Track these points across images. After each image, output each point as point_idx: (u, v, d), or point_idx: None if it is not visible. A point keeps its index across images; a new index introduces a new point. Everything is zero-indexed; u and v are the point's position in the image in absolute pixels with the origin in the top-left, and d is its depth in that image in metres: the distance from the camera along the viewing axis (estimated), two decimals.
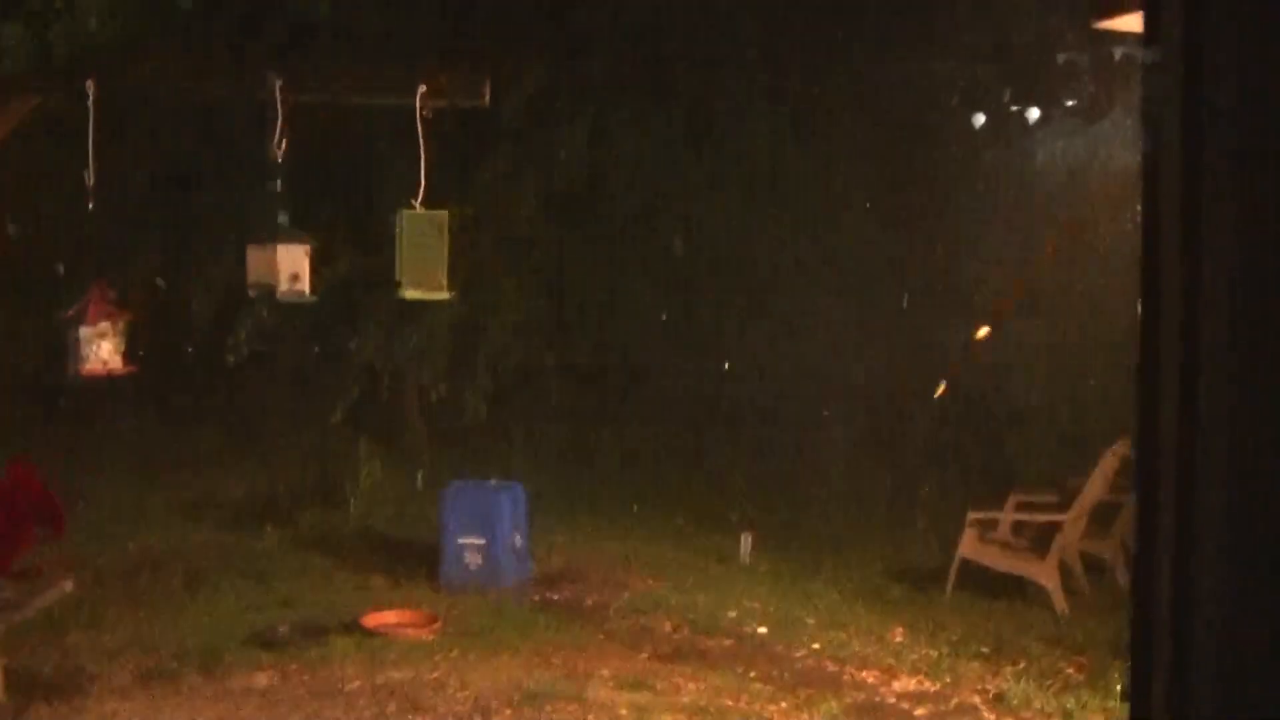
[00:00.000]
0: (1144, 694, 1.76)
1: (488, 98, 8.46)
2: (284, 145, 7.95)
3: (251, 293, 8.60)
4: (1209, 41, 1.59)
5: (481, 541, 11.97)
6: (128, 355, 8.43)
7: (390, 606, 11.12)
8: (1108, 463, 11.61)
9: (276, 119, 7.86)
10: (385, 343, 15.20)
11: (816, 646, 10.51)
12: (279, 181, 8.13)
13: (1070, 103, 11.66)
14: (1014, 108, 12.18)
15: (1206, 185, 1.62)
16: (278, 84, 7.79)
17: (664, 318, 16.20)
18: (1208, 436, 1.61)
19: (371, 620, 10.65)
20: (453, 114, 9.43)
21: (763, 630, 10.91)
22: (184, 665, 9.63)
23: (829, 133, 15.11)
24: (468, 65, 8.83)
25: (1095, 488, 11.62)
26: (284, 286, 8.44)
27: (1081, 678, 9.65)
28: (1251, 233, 1.59)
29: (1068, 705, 8.97)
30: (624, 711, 8.90)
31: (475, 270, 13.27)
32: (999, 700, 9.22)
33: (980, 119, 12.55)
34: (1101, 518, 12.17)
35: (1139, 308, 1.74)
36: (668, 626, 11.05)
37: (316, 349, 16.07)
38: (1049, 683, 9.48)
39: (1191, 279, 1.63)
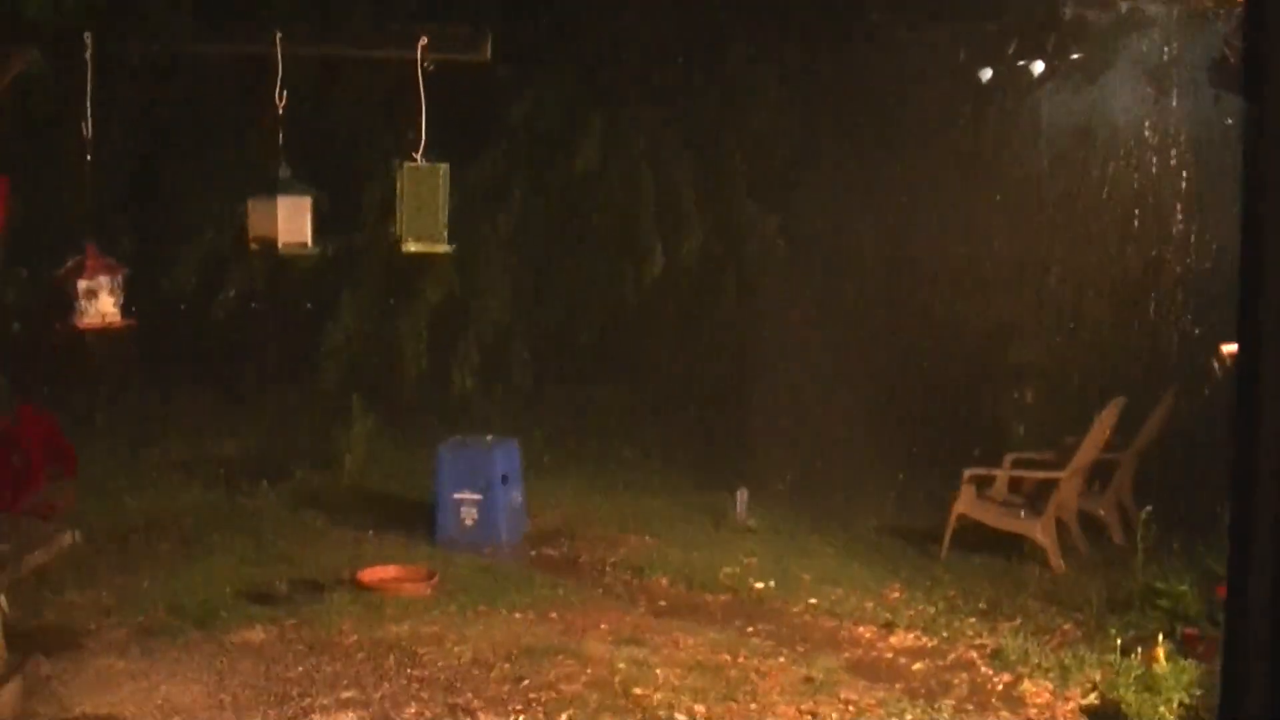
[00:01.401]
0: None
1: (489, 52, 8.42)
2: (284, 99, 7.92)
3: (253, 246, 8.58)
4: None
5: (477, 498, 11.97)
6: (124, 309, 8.41)
7: (386, 563, 11.12)
8: (1104, 421, 11.63)
9: (278, 72, 7.82)
10: (371, 310, 15.19)
11: (813, 602, 10.54)
12: (280, 135, 8.09)
13: (1074, 56, 11.65)
14: (1020, 62, 12.16)
15: None
16: (278, 37, 7.75)
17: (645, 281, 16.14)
18: None
19: (368, 576, 10.65)
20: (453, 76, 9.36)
21: (759, 586, 10.92)
22: (181, 621, 9.62)
23: (821, 106, 15.09)
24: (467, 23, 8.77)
25: (1091, 446, 11.65)
26: (286, 239, 8.43)
27: (1079, 634, 9.69)
28: None
29: (1065, 661, 8.99)
30: (622, 666, 8.91)
31: (469, 238, 13.22)
32: (996, 656, 9.24)
33: (986, 74, 12.53)
34: (1098, 476, 12.21)
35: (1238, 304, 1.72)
36: (664, 582, 11.07)
37: (309, 305, 16.02)
38: (1046, 639, 9.51)
39: None
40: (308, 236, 8.47)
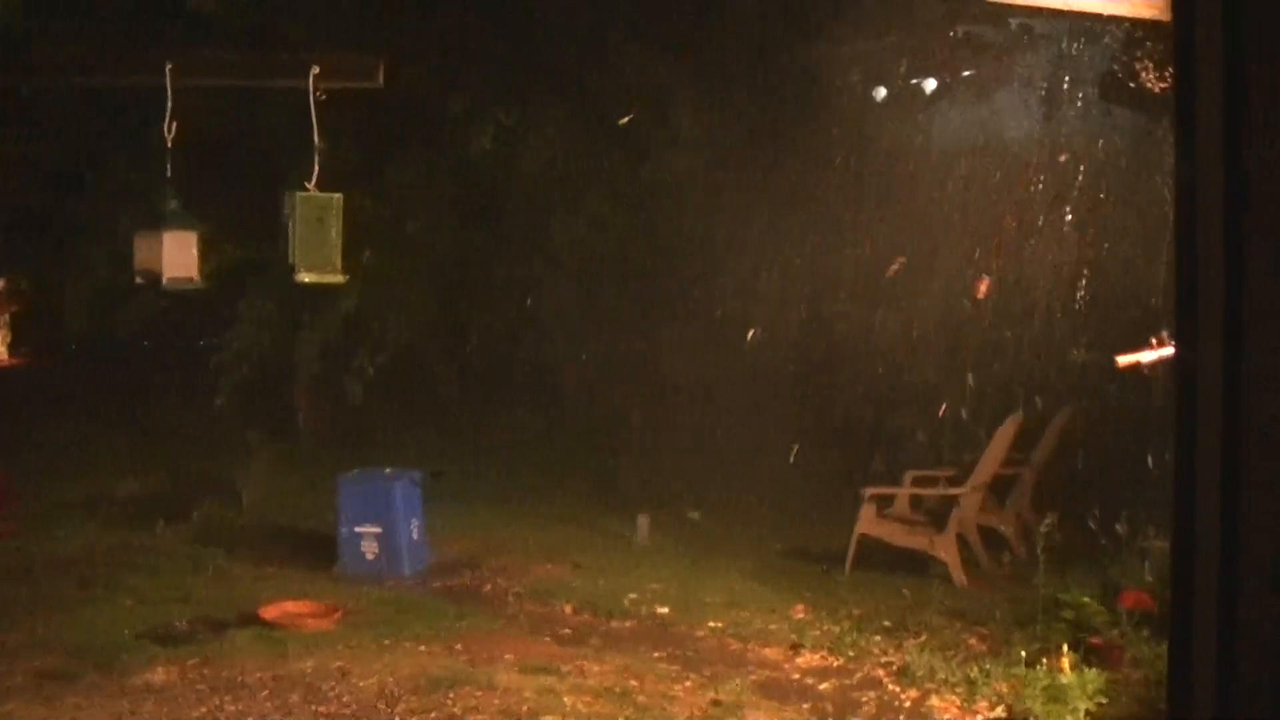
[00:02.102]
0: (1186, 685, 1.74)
1: (381, 78, 8.36)
2: (174, 130, 7.82)
3: (139, 280, 8.45)
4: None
5: (378, 530, 11.88)
6: (13, 348, 8.27)
7: (289, 598, 10.98)
8: (1002, 437, 11.72)
9: (168, 104, 7.72)
10: (267, 332, 15.02)
11: (719, 625, 10.51)
12: (168, 167, 7.98)
13: (967, 73, 11.76)
14: (912, 81, 12.26)
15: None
16: (168, 68, 7.65)
17: (527, 300, 16.08)
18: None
19: (270, 612, 10.50)
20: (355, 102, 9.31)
21: (665, 611, 10.89)
22: (81, 664, 9.42)
23: (729, 122, 15.14)
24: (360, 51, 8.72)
25: (990, 462, 11.74)
26: (170, 274, 8.32)
27: (984, 648, 9.73)
28: None
29: (971, 675, 9.02)
30: (530, 695, 8.83)
31: (366, 259, 13.14)
32: (903, 673, 9.26)
33: (881, 93, 12.63)
34: (997, 491, 12.30)
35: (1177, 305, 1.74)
36: (569, 610, 11.01)
37: (202, 342, 15.83)
38: (951, 654, 9.53)
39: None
40: (194, 271, 8.36)
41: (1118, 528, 10.34)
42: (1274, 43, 1.69)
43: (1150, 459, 9.86)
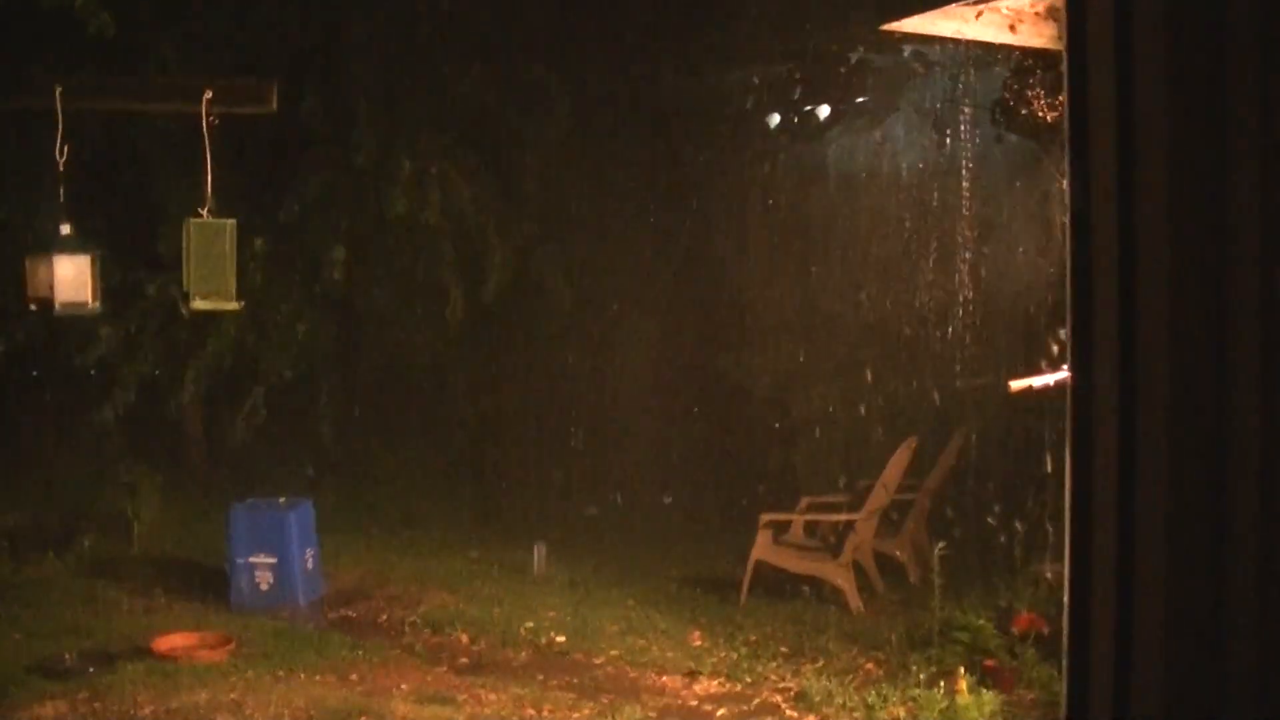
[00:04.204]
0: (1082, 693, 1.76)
1: (274, 103, 8.31)
2: (65, 154, 7.73)
3: (32, 306, 8.34)
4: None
5: (272, 560, 11.76)
6: None
7: (180, 630, 10.84)
8: (896, 462, 11.80)
9: (58, 127, 7.63)
10: (152, 359, 14.81)
11: (616, 653, 10.50)
12: (60, 191, 7.88)
13: (860, 99, 11.86)
14: (806, 108, 12.35)
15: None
16: (58, 91, 7.56)
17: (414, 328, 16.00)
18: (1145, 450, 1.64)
19: (161, 644, 10.36)
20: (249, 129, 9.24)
21: (561, 639, 10.86)
22: None
23: (615, 144, 15.15)
24: (254, 75, 8.67)
25: (885, 488, 11.81)
26: (64, 298, 8.21)
27: (880, 673, 9.78)
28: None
29: (869, 699, 9.06)
30: None
31: (254, 286, 13.01)
32: (800, 698, 9.29)
33: (774, 120, 12.71)
34: (891, 517, 12.38)
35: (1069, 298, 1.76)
36: (465, 640, 10.95)
37: (93, 372, 15.57)
38: (849, 679, 9.58)
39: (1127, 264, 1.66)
40: (88, 296, 8.26)
41: (1013, 550, 10.45)
42: (1164, 73, 1.71)
43: (1042, 482, 9.98)
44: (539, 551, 12.86)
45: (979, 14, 6.66)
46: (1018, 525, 10.49)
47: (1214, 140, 1.68)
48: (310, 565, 12.10)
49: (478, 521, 14.77)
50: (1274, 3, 1.66)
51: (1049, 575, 9.82)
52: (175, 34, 12.94)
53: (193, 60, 12.59)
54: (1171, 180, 1.69)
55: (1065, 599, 1.79)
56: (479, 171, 15.03)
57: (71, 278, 8.18)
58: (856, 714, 8.91)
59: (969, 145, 11.84)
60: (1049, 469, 9.96)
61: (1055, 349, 9.33)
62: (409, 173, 14.42)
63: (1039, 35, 7.25)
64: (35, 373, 15.47)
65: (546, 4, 14.37)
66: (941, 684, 8.94)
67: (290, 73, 12.02)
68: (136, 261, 13.74)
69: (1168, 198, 1.70)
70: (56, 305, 8.23)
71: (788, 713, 9.13)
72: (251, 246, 12.14)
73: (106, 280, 9.02)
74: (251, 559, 11.76)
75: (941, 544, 10.49)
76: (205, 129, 7.94)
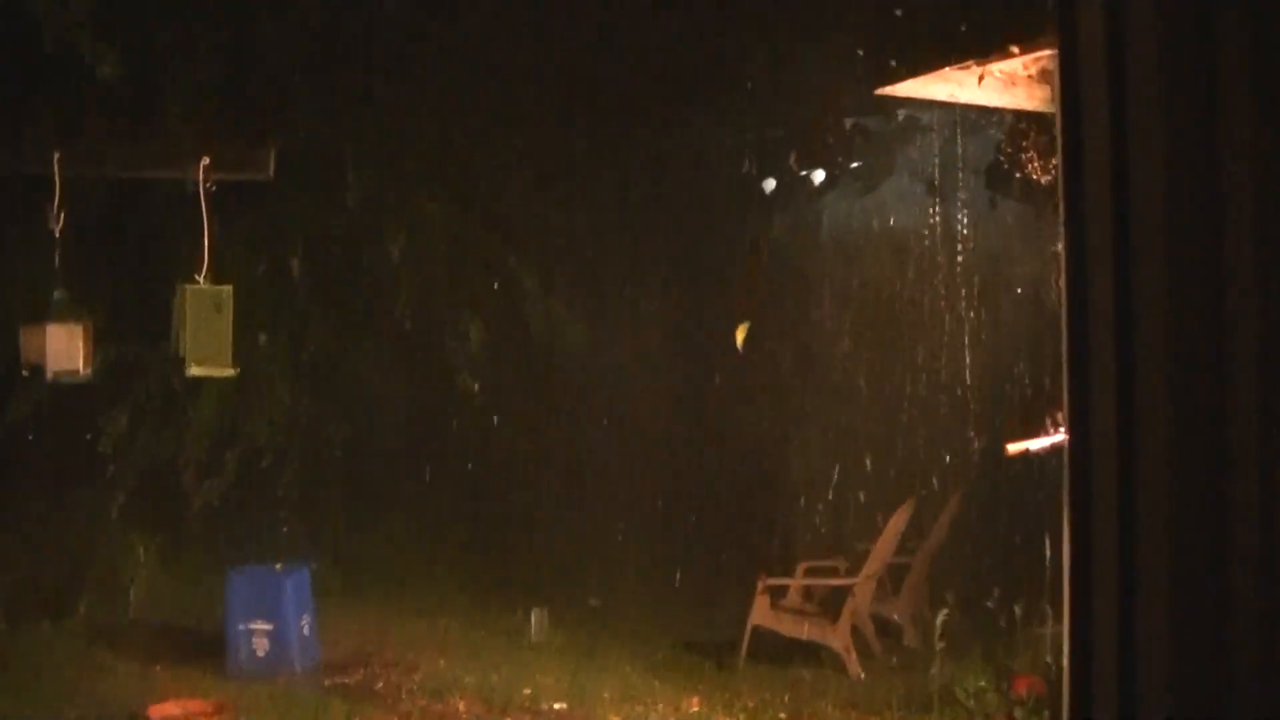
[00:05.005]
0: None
1: (272, 169, 8.34)
2: (62, 220, 7.74)
3: (25, 372, 8.34)
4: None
5: (268, 627, 11.70)
6: None
7: (177, 696, 10.78)
8: (894, 525, 11.77)
9: (54, 193, 7.65)
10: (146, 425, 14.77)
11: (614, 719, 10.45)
12: (56, 257, 7.90)
13: (855, 165, 11.91)
14: (801, 173, 12.39)
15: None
16: (55, 157, 7.58)
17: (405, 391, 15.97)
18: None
19: (157, 712, 10.31)
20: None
21: (560, 706, 10.80)
22: None
23: (612, 200, 15.20)
24: (250, 138, 8.70)
25: (882, 551, 11.78)
26: (56, 366, 8.21)
27: None
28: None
29: None
30: None
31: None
32: None
33: (770, 184, 12.76)
34: (889, 580, 12.34)
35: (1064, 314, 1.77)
36: (462, 707, 10.89)
37: (89, 436, 15.51)
38: None
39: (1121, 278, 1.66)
40: (80, 363, 8.25)
41: (1011, 611, 10.41)
42: (1159, 138, 1.72)
43: (1038, 544, 9.95)
44: (537, 617, 12.81)
45: (980, 78, 6.69)
46: (1015, 587, 10.46)
47: (1210, 197, 1.68)
48: (307, 631, 12.05)
49: (477, 586, 14.70)
50: (1267, 58, 1.66)
51: (1047, 636, 9.78)
52: (181, 81, 12.98)
53: (196, 106, 12.62)
54: (1168, 238, 1.70)
55: (1065, 663, 1.79)
56: (474, 226, 15.05)
57: (64, 345, 8.19)
58: None
59: (964, 208, 11.89)
60: (1046, 531, 9.94)
61: (1053, 412, 9.33)
62: (401, 226, 14.42)
63: (1031, 98, 7.29)
64: (30, 436, 15.41)
65: (539, 67, 14.43)
66: None
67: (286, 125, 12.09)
68: (134, 328, 13.72)
69: (1165, 254, 1.71)
70: (49, 372, 8.24)
71: None
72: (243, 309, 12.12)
73: (102, 347, 9.02)
74: (248, 625, 11.70)
75: (944, 610, 10.46)
76: (202, 195, 7.97)
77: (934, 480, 12.87)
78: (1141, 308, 1.71)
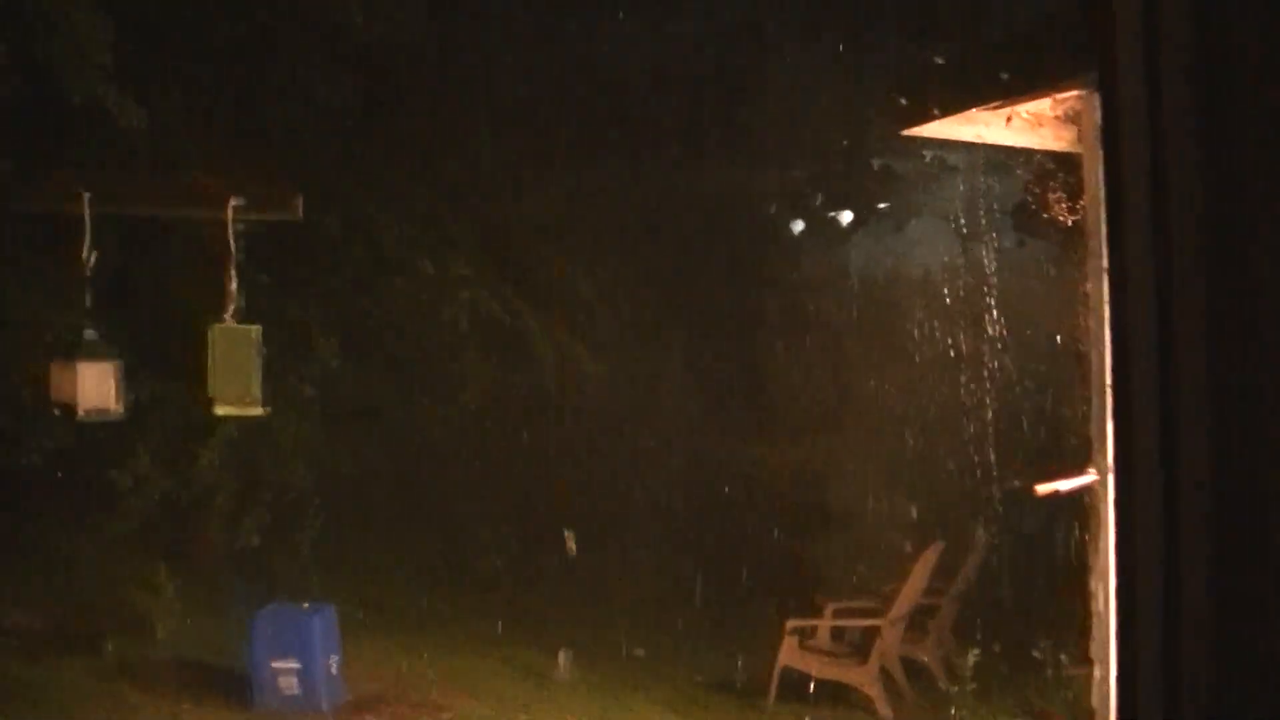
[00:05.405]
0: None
1: (300, 211, 8.36)
2: (93, 259, 7.78)
3: (55, 411, 8.35)
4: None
5: (295, 665, 11.67)
6: None
7: None
8: (922, 566, 11.72)
9: (85, 233, 7.68)
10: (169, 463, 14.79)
11: None
12: (87, 296, 7.93)
13: (882, 205, 11.92)
14: (829, 214, 12.40)
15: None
16: (87, 197, 7.62)
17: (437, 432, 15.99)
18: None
19: None
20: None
21: None
22: None
23: (642, 242, 15.24)
24: (278, 179, 8.74)
25: (911, 592, 11.72)
26: (87, 405, 8.23)
27: None
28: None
29: None
30: None
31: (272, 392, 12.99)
32: None
33: (799, 226, 12.78)
34: (918, 621, 12.28)
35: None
36: None
37: (114, 474, 15.53)
38: None
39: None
40: (111, 402, 8.27)
41: (1040, 651, 10.35)
42: (1197, 169, 1.72)
43: (1068, 584, 9.88)
44: (564, 658, 12.77)
45: (1008, 119, 6.67)
46: (1044, 628, 10.40)
47: (1248, 235, 1.68)
48: (334, 670, 12.02)
49: (502, 625, 14.67)
50: None
51: (1079, 677, 9.72)
52: (205, 133, 13.06)
53: (224, 149, 12.69)
54: (1210, 275, 1.70)
55: (1112, 700, 1.78)
56: (506, 272, 15.08)
57: (95, 383, 8.21)
58: None
59: (991, 248, 11.88)
60: (1075, 571, 9.88)
61: (1082, 452, 9.28)
62: (443, 276, 14.45)
63: (1059, 139, 7.26)
64: (60, 474, 15.43)
65: (566, 111, 14.49)
66: None
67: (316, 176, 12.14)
68: (160, 367, 13.76)
69: (1205, 293, 1.71)
70: (80, 410, 8.25)
71: None
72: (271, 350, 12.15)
73: (134, 385, 9.03)
74: (275, 664, 11.68)
75: (975, 651, 10.40)
76: (230, 235, 8.00)
77: (962, 520, 12.82)
78: (1182, 343, 1.70)
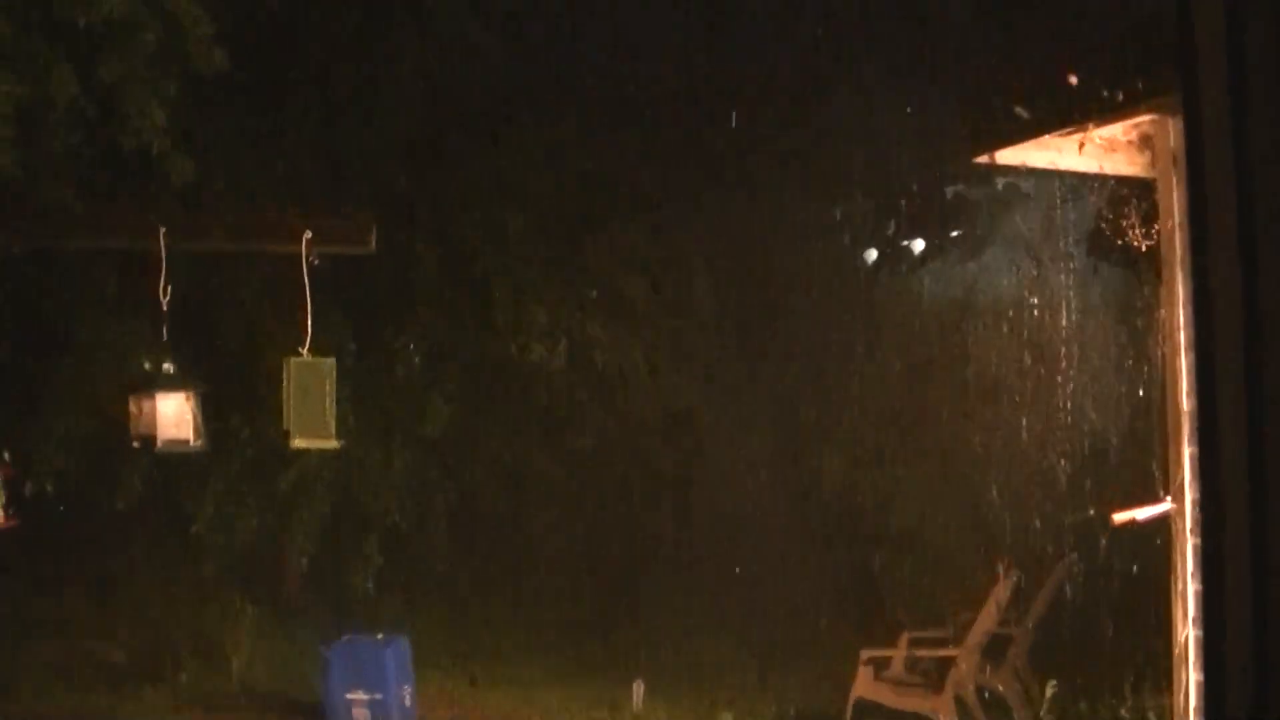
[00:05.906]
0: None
1: (373, 244, 8.42)
2: (169, 293, 7.85)
3: (135, 444, 8.43)
4: None
5: (369, 698, 11.71)
6: (8, 509, 8.24)
7: None
8: (998, 595, 11.63)
9: (162, 267, 7.76)
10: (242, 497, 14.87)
11: None
12: (164, 330, 8.00)
13: (955, 233, 11.88)
14: (902, 243, 12.38)
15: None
16: (163, 232, 7.69)
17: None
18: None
19: None
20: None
21: None
22: None
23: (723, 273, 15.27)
24: (352, 212, 8.79)
25: (986, 621, 11.62)
26: (165, 436, 8.31)
27: None
28: None
29: None
30: None
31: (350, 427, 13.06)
32: None
33: (872, 255, 12.76)
34: (994, 650, 12.17)
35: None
36: None
37: (190, 506, 15.62)
38: None
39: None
40: (190, 434, 8.35)
41: (1119, 683, 10.26)
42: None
43: (1145, 615, 9.79)
44: (638, 688, 12.74)
45: (1081, 145, 6.64)
46: (1124, 658, 10.29)
47: None
48: (408, 702, 12.04)
49: (575, 655, 14.66)
50: None
51: (1159, 708, 9.61)
52: (267, 178, 13.18)
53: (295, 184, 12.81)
54: None
55: None
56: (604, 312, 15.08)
57: (173, 416, 8.28)
58: None
59: (1065, 274, 11.80)
60: (1152, 602, 9.78)
61: (1160, 481, 9.20)
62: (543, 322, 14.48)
63: (1132, 164, 7.22)
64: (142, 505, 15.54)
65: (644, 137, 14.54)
66: None
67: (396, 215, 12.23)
68: (239, 400, 13.86)
69: None
70: (158, 443, 8.33)
71: None
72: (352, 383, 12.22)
73: (209, 419, 9.08)
74: (349, 696, 11.72)
75: (1052, 683, 10.32)
76: (305, 269, 8.05)
77: (1038, 549, 12.72)
78: (1270, 371, 1.68)
